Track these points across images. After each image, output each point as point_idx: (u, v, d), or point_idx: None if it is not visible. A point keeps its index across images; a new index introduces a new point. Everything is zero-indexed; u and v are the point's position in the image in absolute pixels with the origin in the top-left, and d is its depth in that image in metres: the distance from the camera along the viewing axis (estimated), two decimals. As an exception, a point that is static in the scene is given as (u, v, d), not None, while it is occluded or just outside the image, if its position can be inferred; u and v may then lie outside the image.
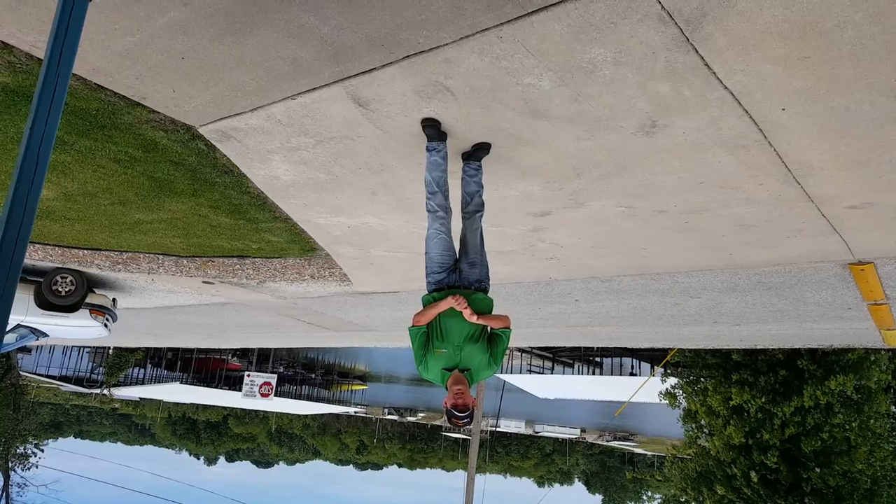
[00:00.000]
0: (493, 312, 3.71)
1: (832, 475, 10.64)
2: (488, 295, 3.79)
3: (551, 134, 3.81)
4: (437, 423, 58.38)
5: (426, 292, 3.77)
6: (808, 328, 7.86)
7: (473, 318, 3.42)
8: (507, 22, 2.93)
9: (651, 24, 2.81)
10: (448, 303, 3.45)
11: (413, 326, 3.55)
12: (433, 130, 3.81)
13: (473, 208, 3.94)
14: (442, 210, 3.80)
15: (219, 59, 3.43)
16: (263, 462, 74.66)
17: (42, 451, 24.62)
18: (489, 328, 3.63)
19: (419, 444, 66.42)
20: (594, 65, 3.13)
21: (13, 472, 23.28)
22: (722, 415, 11.64)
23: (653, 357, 21.98)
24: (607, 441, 54.73)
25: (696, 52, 2.92)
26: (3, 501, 22.91)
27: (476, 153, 4.06)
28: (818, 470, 10.65)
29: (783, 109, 3.25)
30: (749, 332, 8.66)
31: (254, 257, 7.62)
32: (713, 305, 7.21)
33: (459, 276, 3.74)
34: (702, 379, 12.51)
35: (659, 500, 13.11)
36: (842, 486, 10.67)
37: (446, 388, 3.45)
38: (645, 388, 18.23)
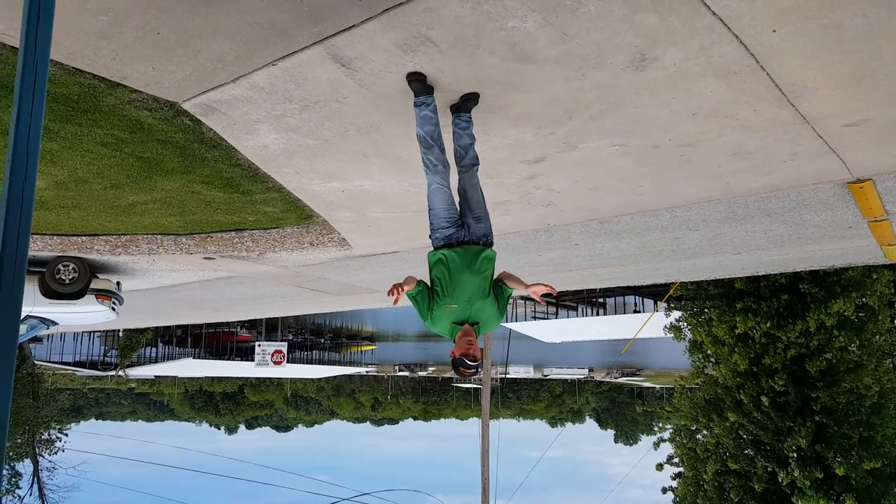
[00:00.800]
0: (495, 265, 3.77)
1: (840, 393, 10.87)
2: (493, 248, 3.82)
3: (539, 77, 3.75)
4: (448, 375, 59.45)
5: (432, 249, 3.75)
6: (809, 250, 7.90)
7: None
8: (486, -35, 2.85)
9: (634, -45, 2.73)
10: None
11: (409, 291, 3.55)
12: (419, 84, 3.74)
13: (469, 161, 3.90)
14: (440, 164, 3.76)
15: (195, 30, 3.35)
16: (283, 426, 76.36)
17: (66, 434, 25.19)
18: (494, 281, 3.71)
19: (432, 397, 67.77)
20: (579, 1, 3.05)
21: (41, 458, 23.86)
22: (727, 343, 11.81)
23: (655, 293, 22.21)
24: (615, 378, 55.79)
25: (682, -21, 2.85)
26: (35, 486, 23.54)
27: (465, 104, 3.99)
28: (825, 389, 10.87)
29: (774, 31, 3.19)
30: (750, 260, 8.72)
31: (252, 229, 7.61)
32: (713, 236, 7.23)
33: (468, 231, 3.74)
34: (706, 310, 12.65)
35: (670, 430, 13.36)
36: (850, 402, 10.92)
37: (454, 341, 3.51)
38: (649, 324, 18.46)
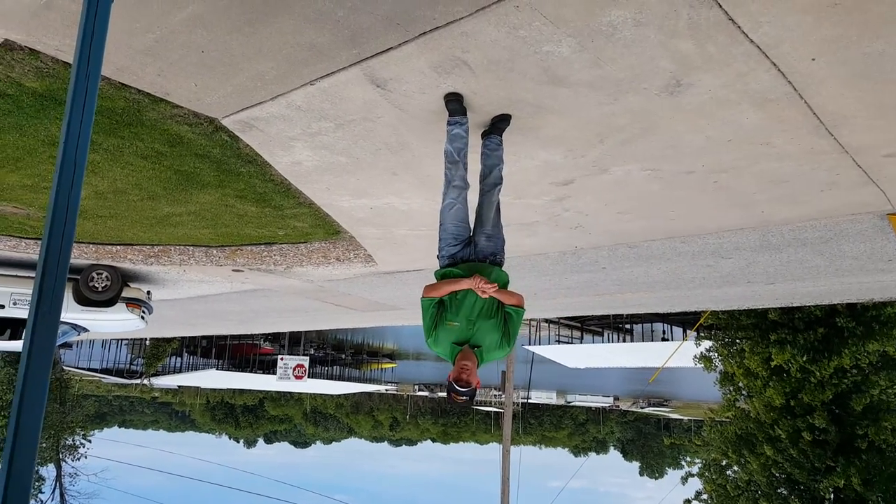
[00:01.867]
0: (509, 289, 3.59)
1: (881, 431, 10.51)
2: (503, 269, 3.70)
3: (572, 100, 3.77)
4: (469, 397, 58.77)
5: (438, 267, 3.69)
6: (847, 283, 7.72)
7: (491, 291, 3.30)
8: (524, -10, 2.88)
9: (672, -18, 2.74)
10: (468, 284, 3.31)
11: (425, 297, 3.44)
12: (456, 105, 3.76)
13: (493, 181, 3.82)
14: (461, 181, 3.70)
15: (238, 49, 3.44)
16: (301, 442, 76.33)
17: (89, 441, 25.52)
18: (504, 306, 3.51)
19: (451, 419, 67.21)
20: (614, 27, 3.07)
21: (64, 463, 24.18)
22: (761, 376, 11.52)
23: (684, 321, 21.82)
24: (641, 408, 54.76)
25: (720, 6, 2.85)
26: (57, 491, 23.83)
27: (497, 126, 3.97)
28: (870, 426, 10.52)
29: (813, 59, 3.16)
30: (785, 290, 8.54)
31: (280, 243, 7.71)
32: (746, 265, 7.11)
33: (474, 249, 3.64)
34: (738, 340, 12.39)
35: (699, 465, 12.99)
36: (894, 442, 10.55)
37: (453, 363, 3.33)
38: (678, 353, 18.13)
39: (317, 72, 3.64)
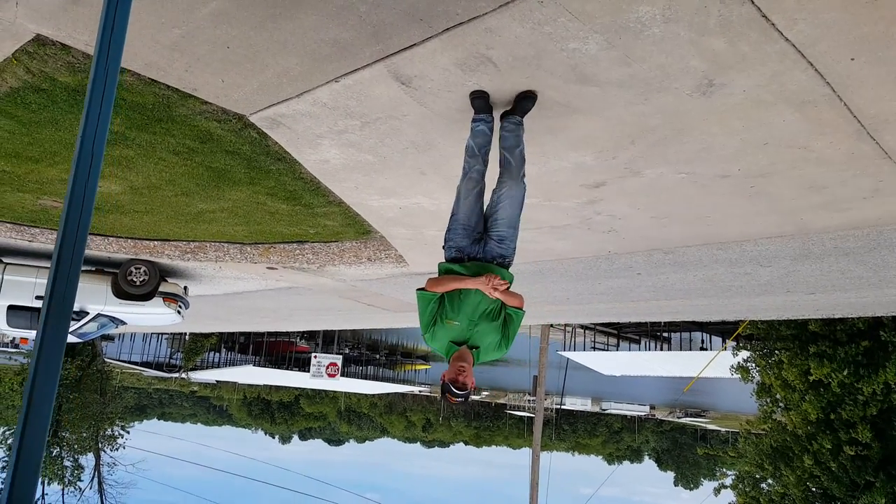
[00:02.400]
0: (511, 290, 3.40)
1: None
2: (509, 271, 3.53)
3: (601, 100, 3.68)
4: (502, 401, 58.64)
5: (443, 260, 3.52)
6: (892, 295, 7.38)
7: (503, 290, 3.15)
8: (548, -15, 2.82)
9: (702, -24, 2.64)
10: (477, 284, 3.16)
11: (425, 291, 3.28)
12: (482, 102, 3.68)
13: (513, 168, 3.53)
14: (476, 174, 3.52)
15: (262, 45, 3.46)
16: (335, 440, 77.08)
17: (128, 432, 26.19)
18: (505, 308, 3.36)
19: (484, 422, 66.94)
20: (642, 24, 2.97)
21: (103, 453, 24.89)
22: (798, 389, 11.16)
23: (724, 330, 21.26)
24: (678, 418, 53.62)
25: (752, 2, 2.73)
26: (96, 480, 24.55)
27: (519, 105, 3.66)
28: None
29: (852, 59, 3.01)
30: (826, 301, 8.22)
31: (312, 242, 7.78)
32: (786, 274, 6.86)
33: (483, 248, 3.44)
34: (776, 351, 12.01)
35: (732, 477, 12.64)
36: None
37: (449, 362, 3.22)
38: (715, 363, 17.67)
39: (341, 68, 3.64)
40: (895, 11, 2.69)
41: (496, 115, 3.77)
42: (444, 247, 3.52)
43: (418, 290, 3.31)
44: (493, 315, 3.26)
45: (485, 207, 3.58)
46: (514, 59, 3.35)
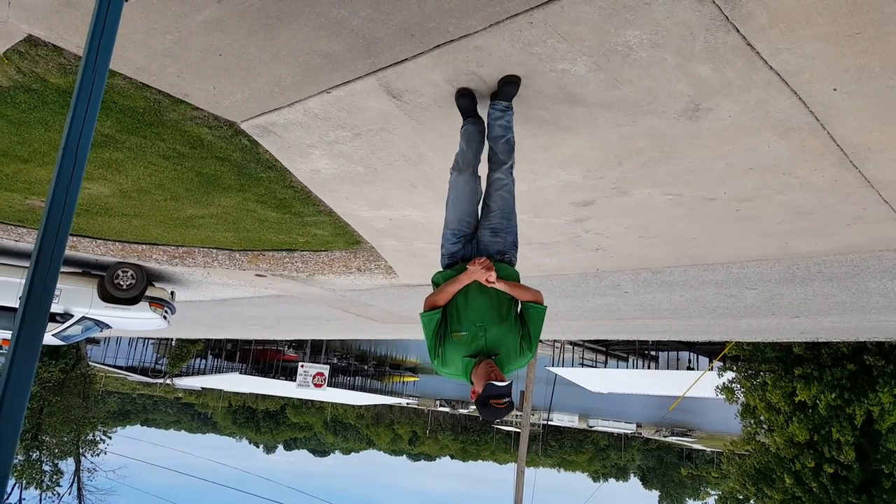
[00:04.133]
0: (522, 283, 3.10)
1: None
2: (515, 268, 3.18)
3: (589, 120, 3.72)
4: (490, 415, 58.27)
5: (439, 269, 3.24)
6: (874, 320, 7.45)
7: (493, 281, 2.84)
8: (538, 6, 2.86)
9: (687, 4, 2.69)
10: (470, 275, 2.86)
11: (425, 312, 2.94)
12: (466, 101, 3.46)
13: (501, 157, 3.26)
14: (467, 167, 3.27)
15: (255, 54, 3.48)
16: (320, 451, 76.50)
17: (110, 438, 25.87)
18: (519, 306, 3.00)
19: (471, 436, 66.67)
20: (630, 47, 3.02)
21: (84, 458, 24.55)
22: (783, 411, 11.22)
23: (711, 350, 21.33)
24: (664, 436, 53.60)
25: (737, 31, 2.78)
26: (76, 485, 24.20)
27: (502, 90, 3.39)
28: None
29: (835, 90, 3.07)
30: (810, 325, 8.29)
31: (302, 250, 7.77)
32: (770, 297, 6.91)
33: (476, 246, 3.16)
34: (761, 373, 12.08)
35: (715, 497, 12.61)
36: None
37: (471, 382, 2.79)
38: (702, 383, 17.72)
39: (333, 80, 3.67)
40: (875, 45, 2.74)
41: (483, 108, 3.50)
42: (441, 258, 3.29)
43: (421, 314, 2.99)
44: (501, 314, 2.89)
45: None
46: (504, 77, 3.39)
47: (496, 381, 2.62)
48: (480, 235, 3.19)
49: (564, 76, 3.31)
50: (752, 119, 3.46)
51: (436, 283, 3.12)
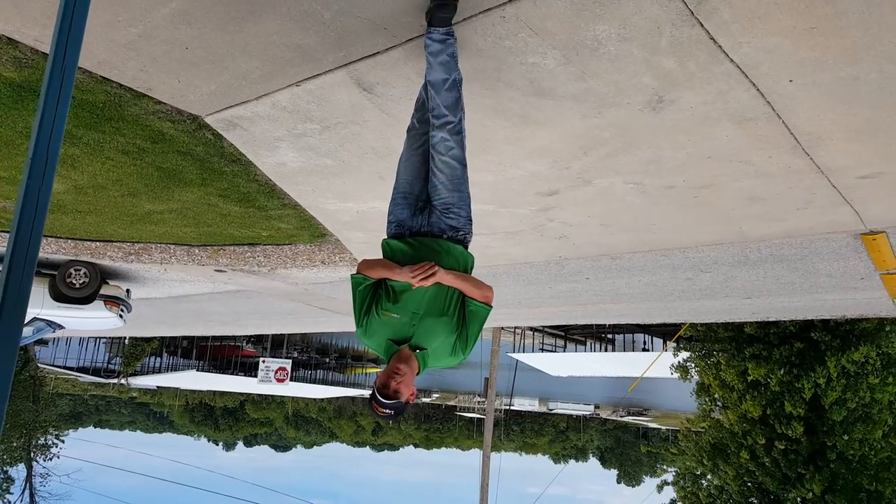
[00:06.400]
0: (473, 275, 2.73)
1: (854, 442, 10.72)
2: (468, 251, 2.83)
3: (557, 112, 3.80)
4: (452, 403, 58.89)
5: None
6: (821, 299, 7.83)
7: (433, 282, 2.49)
8: (510, 1, 2.91)
9: (655, -1, 2.78)
10: (401, 275, 2.52)
11: (357, 274, 2.66)
12: (451, 10, 2.76)
13: (443, 107, 2.67)
14: (419, 128, 2.92)
15: (223, 47, 3.43)
16: (281, 446, 75.69)
17: (62, 441, 25.06)
18: (465, 300, 2.63)
19: (434, 425, 67.07)
20: (599, 41, 3.10)
21: (35, 463, 23.73)
22: (737, 388, 11.69)
23: (665, 332, 22.01)
24: (621, 416, 55.05)
25: (702, 25, 2.89)
26: (27, 492, 23.39)
27: (435, 15, 2.71)
28: (846, 437, 10.72)
29: (791, 81, 3.22)
30: (761, 305, 8.65)
31: (264, 244, 7.68)
32: (725, 279, 7.19)
33: (427, 219, 2.79)
34: (714, 353, 12.54)
35: (673, 473, 13.06)
36: (864, 453, 10.75)
37: (387, 364, 2.53)
38: (658, 363, 18.28)
39: (302, 73, 3.64)
40: (829, 39, 2.89)
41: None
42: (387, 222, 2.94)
43: (352, 275, 2.69)
44: (443, 308, 2.56)
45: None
46: (475, 70, 3.43)
47: (388, 391, 2.40)
48: (431, 211, 2.80)
49: (534, 69, 3.37)
50: (712, 110, 3.59)
51: (384, 252, 2.82)
